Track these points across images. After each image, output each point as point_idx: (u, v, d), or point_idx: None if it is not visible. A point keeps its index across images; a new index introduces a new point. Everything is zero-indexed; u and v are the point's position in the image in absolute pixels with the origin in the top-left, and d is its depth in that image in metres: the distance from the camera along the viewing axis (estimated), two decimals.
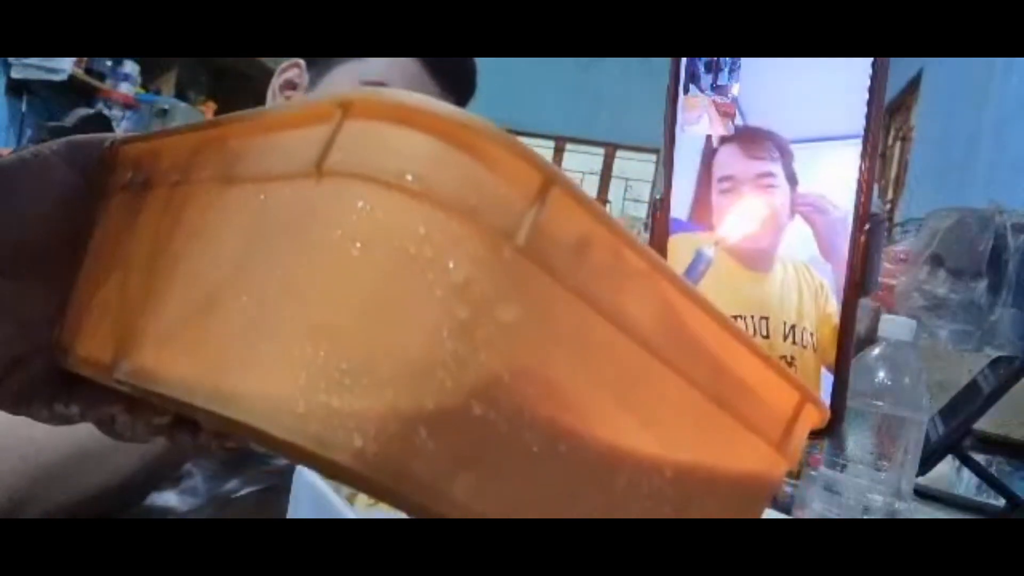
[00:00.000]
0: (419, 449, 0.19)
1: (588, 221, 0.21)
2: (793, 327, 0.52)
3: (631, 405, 0.22)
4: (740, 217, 0.53)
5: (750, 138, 0.53)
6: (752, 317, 0.54)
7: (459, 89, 0.89)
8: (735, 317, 0.55)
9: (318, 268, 0.19)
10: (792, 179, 0.52)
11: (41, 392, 0.32)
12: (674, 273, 0.23)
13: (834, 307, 0.50)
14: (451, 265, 0.19)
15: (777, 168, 0.52)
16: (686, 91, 0.58)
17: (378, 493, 0.19)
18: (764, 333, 0.53)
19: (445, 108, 0.19)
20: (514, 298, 0.20)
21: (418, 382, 0.19)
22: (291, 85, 0.93)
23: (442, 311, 0.19)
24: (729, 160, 0.54)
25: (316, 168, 0.20)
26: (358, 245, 0.19)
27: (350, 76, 0.86)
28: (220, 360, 0.21)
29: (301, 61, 0.93)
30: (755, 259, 0.54)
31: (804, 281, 0.52)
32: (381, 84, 0.85)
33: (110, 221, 0.30)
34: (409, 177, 0.19)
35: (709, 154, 0.55)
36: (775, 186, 0.52)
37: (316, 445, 0.18)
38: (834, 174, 0.49)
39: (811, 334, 0.52)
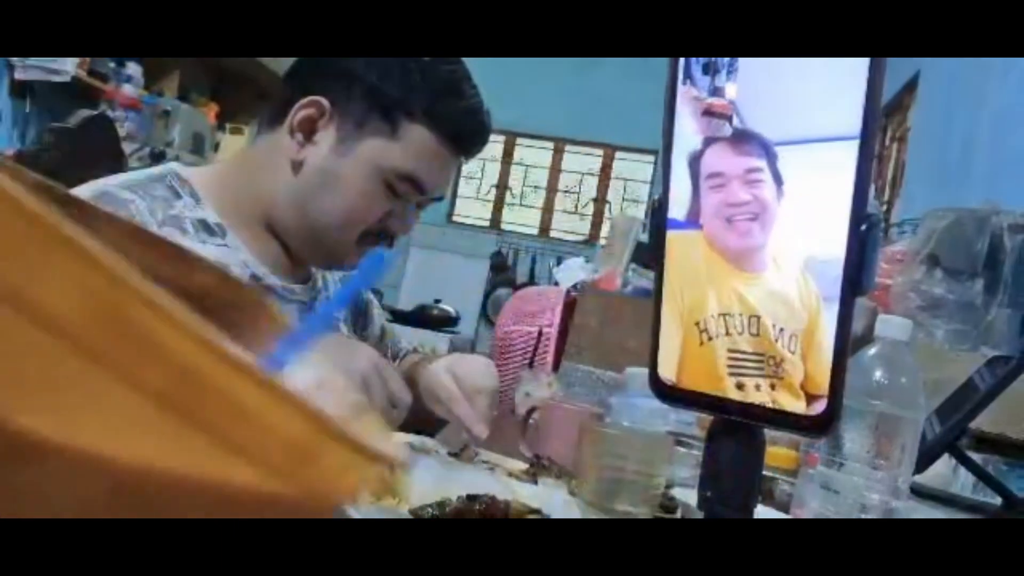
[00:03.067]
0: None
1: None
2: (782, 330, 0.52)
3: (56, 406, 0.21)
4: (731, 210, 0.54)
5: (737, 136, 0.53)
6: (740, 315, 0.54)
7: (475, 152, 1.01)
8: (723, 315, 0.55)
9: None
10: (777, 177, 0.52)
11: None
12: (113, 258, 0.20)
13: (825, 317, 0.50)
14: None
15: (763, 164, 0.52)
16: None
17: None
18: (754, 331, 0.53)
19: None
20: None
21: None
22: (310, 123, 0.94)
23: None
24: (717, 158, 0.54)
25: None
26: None
27: (378, 155, 0.94)
28: None
29: (324, 102, 0.93)
30: (746, 259, 0.54)
31: (799, 286, 0.52)
32: (411, 175, 0.94)
33: None
34: None
35: (695, 155, 0.55)
36: (763, 181, 0.52)
37: None
38: (831, 174, 0.49)
39: (798, 340, 0.52)
